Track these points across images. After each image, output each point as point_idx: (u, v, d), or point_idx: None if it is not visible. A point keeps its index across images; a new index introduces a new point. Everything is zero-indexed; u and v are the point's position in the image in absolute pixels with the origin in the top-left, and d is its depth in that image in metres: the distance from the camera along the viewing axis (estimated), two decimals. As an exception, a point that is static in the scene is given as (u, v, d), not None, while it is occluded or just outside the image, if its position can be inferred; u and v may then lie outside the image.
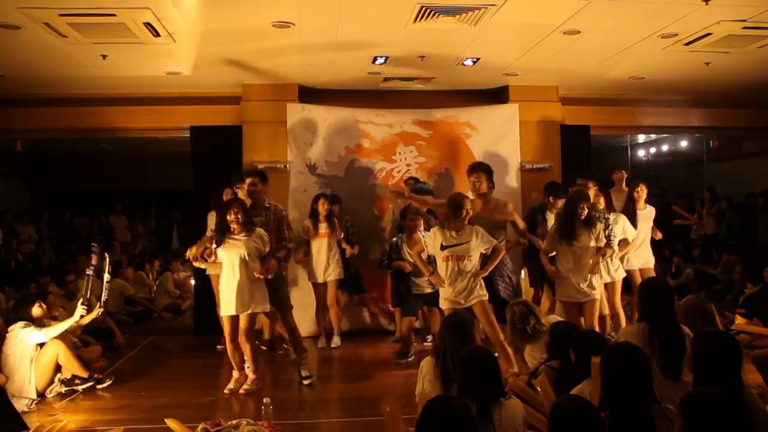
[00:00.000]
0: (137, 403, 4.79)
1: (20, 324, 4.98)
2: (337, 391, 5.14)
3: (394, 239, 6.12)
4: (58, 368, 5.07)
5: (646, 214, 6.27)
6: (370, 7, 5.01)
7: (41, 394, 4.94)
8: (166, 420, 3.97)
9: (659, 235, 6.50)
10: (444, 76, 7.19)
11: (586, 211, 4.97)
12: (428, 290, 5.77)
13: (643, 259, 6.21)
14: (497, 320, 4.84)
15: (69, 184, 13.11)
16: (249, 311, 4.89)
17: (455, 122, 7.38)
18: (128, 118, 7.62)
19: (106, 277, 5.30)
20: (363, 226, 6.96)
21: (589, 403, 2.45)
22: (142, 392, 5.07)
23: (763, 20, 5.25)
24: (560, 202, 5.68)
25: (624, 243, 5.88)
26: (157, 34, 5.36)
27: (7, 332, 5.03)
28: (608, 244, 5.22)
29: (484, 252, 4.84)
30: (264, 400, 4.34)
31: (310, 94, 7.49)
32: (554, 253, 5.18)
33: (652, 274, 6.05)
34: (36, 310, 5.12)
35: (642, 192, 6.26)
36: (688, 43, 5.92)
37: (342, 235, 6.48)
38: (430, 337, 6.32)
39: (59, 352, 5.01)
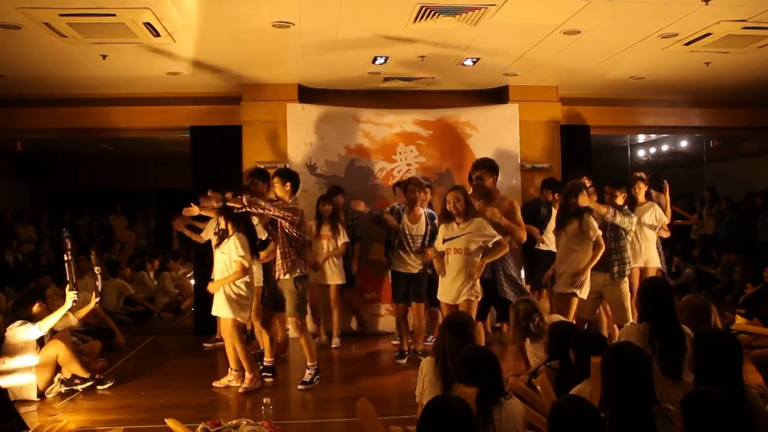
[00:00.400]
0: (137, 403, 4.79)
1: (17, 323, 4.99)
2: (337, 391, 5.14)
3: (397, 205, 6.09)
4: (58, 368, 5.07)
5: (647, 210, 6.25)
6: (370, 7, 5.01)
7: (41, 394, 4.94)
8: (166, 420, 3.97)
9: (666, 234, 6.48)
10: (444, 76, 7.19)
11: (578, 201, 5.06)
12: (415, 270, 5.81)
13: (644, 257, 6.15)
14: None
15: (69, 184, 13.11)
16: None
17: (455, 122, 7.39)
18: (128, 118, 7.63)
19: (98, 272, 5.35)
20: (363, 226, 6.95)
21: (589, 403, 2.44)
22: (142, 392, 5.07)
23: (763, 20, 5.25)
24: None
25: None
26: (157, 34, 5.36)
27: (6, 332, 5.03)
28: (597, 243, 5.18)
29: (483, 244, 4.86)
30: (264, 400, 4.35)
31: (310, 94, 7.49)
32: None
33: (652, 273, 6.00)
34: (36, 309, 5.13)
35: (641, 188, 6.26)
36: (688, 43, 5.92)
37: (344, 239, 6.38)
38: (431, 337, 6.31)
39: (59, 352, 5.01)
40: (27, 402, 4.79)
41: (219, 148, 7.44)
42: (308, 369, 5.16)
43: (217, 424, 3.97)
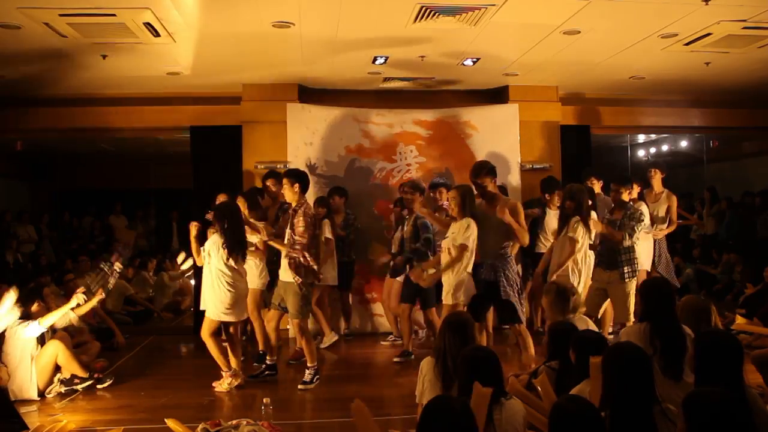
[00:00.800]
0: (137, 403, 4.79)
1: (17, 321, 4.98)
2: (337, 391, 5.13)
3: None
4: (57, 369, 5.07)
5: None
6: (370, 7, 5.01)
7: (41, 394, 4.94)
8: (166, 420, 3.98)
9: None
10: (444, 76, 7.19)
11: (573, 205, 5.13)
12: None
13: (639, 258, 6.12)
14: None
15: (69, 184, 13.12)
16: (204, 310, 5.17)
17: (455, 122, 7.39)
18: (128, 118, 7.63)
19: (112, 280, 5.43)
20: (363, 226, 6.96)
21: (590, 403, 2.44)
22: (142, 392, 5.07)
23: (763, 20, 5.25)
24: (556, 197, 6.28)
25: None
26: (157, 34, 5.35)
27: (6, 331, 5.03)
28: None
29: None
30: (264, 400, 4.36)
31: (310, 94, 7.49)
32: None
33: (642, 276, 5.79)
34: (34, 308, 5.14)
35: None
36: (688, 43, 5.92)
37: (327, 235, 6.23)
38: (421, 332, 6.34)
39: (58, 353, 5.01)
40: (27, 402, 4.79)
41: (219, 148, 7.44)
42: (308, 369, 5.16)
43: (217, 424, 3.97)
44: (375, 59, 6.37)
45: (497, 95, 7.75)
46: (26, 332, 4.92)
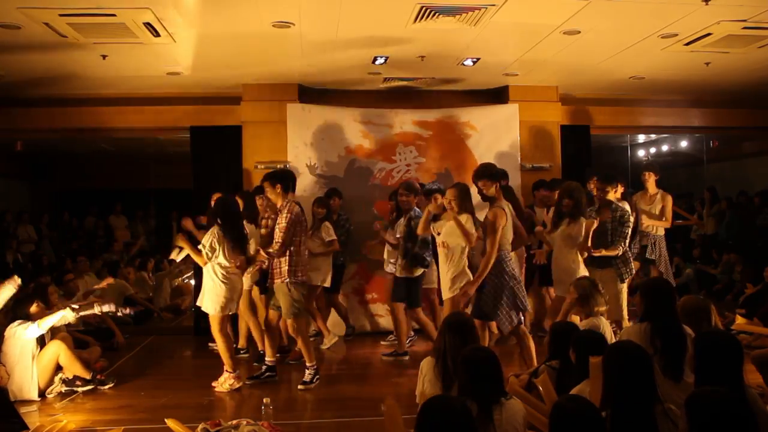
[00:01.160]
0: (137, 403, 4.79)
1: (16, 322, 4.98)
2: (337, 391, 5.14)
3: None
4: (59, 368, 5.07)
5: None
6: (370, 7, 5.01)
7: (42, 394, 4.94)
8: (166, 420, 3.98)
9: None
10: (444, 76, 7.19)
11: (571, 204, 5.11)
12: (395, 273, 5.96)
13: None
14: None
15: (69, 184, 13.13)
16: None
17: (455, 122, 7.38)
18: (128, 118, 7.62)
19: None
20: (362, 226, 6.95)
21: (590, 402, 2.44)
22: (142, 392, 5.07)
23: (763, 20, 5.25)
24: (541, 193, 6.51)
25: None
26: (157, 34, 5.35)
27: (5, 332, 5.03)
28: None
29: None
30: (264, 400, 4.36)
31: (310, 94, 7.49)
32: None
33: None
34: (33, 309, 5.13)
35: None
36: (688, 43, 5.92)
37: (330, 237, 6.20)
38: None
39: (60, 353, 5.01)
40: (27, 402, 4.79)
41: (219, 148, 7.44)
42: (307, 369, 5.17)
43: (217, 424, 3.97)
44: (375, 59, 6.36)
45: (497, 95, 7.75)
46: (25, 333, 4.92)
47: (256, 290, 6.04)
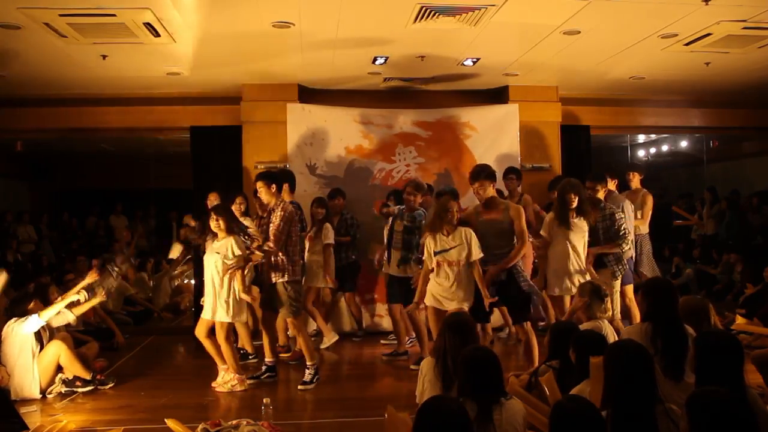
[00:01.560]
0: (137, 403, 4.78)
1: (13, 320, 4.98)
2: (337, 391, 5.14)
3: (398, 208, 6.04)
4: (59, 368, 5.07)
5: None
6: (370, 7, 5.02)
7: (42, 394, 4.93)
8: (166, 420, 3.97)
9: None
10: (444, 76, 7.19)
11: (576, 200, 5.01)
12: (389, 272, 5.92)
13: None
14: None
15: (69, 184, 13.12)
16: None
17: (455, 122, 7.38)
18: (128, 118, 7.63)
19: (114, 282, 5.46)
20: (362, 226, 6.95)
21: (590, 402, 2.44)
22: (142, 392, 5.07)
23: (763, 20, 5.26)
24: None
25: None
26: (157, 34, 5.35)
27: (3, 330, 5.02)
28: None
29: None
30: (264, 400, 4.35)
31: (310, 94, 7.49)
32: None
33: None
34: (31, 307, 5.12)
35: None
36: (688, 43, 5.92)
37: (329, 240, 6.17)
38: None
39: (60, 353, 5.00)
40: (28, 402, 4.78)
41: (219, 148, 7.44)
42: (307, 369, 5.17)
43: (217, 424, 3.96)
44: (375, 59, 6.37)
45: (497, 95, 7.75)
46: (24, 327, 4.91)
47: (255, 289, 6.03)
